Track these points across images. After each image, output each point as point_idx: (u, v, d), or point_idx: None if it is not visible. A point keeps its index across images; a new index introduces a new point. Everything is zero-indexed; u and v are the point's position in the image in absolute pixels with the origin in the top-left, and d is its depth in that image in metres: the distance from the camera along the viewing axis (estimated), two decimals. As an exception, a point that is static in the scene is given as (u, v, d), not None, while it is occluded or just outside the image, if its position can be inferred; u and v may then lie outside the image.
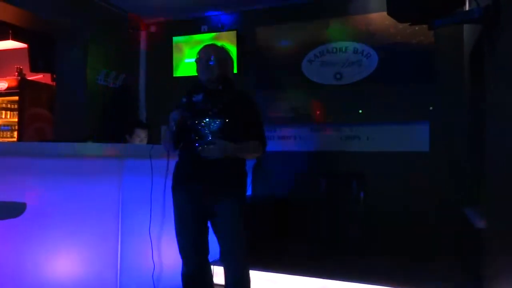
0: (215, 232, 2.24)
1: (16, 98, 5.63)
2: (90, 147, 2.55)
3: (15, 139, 5.62)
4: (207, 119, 2.17)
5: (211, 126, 2.16)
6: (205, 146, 2.10)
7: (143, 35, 5.44)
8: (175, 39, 5.11)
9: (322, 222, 4.28)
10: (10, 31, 5.24)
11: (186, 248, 2.22)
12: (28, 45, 5.36)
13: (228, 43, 4.84)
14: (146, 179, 2.58)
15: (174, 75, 5.12)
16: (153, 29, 5.41)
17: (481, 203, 2.82)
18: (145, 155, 2.55)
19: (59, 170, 2.50)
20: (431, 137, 4.11)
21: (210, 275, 2.32)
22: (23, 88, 5.58)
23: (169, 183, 2.29)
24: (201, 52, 2.26)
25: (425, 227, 3.98)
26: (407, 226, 4.05)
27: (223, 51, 2.29)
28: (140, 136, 3.76)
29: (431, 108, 4.11)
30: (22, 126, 5.48)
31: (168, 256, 2.77)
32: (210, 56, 2.20)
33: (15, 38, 5.35)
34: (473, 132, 3.36)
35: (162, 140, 2.36)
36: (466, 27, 3.73)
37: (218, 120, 2.16)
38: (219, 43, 2.45)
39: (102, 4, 4.78)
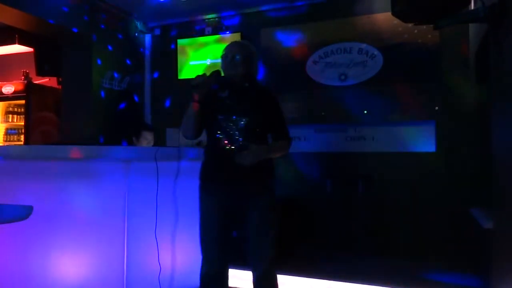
0: (244, 230, 2.22)
1: (23, 102, 5.67)
2: (96, 149, 2.56)
3: (21, 143, 5.66)
4: (234, 116, 2.16)
5: (238, 124, 2.15)
6: (237, 150, 2.10)
7: (148, 38, 5.48)
8: (180, 41, 5.13)
9: (327, 223, 4.27)
10: (17, 36, 5.30)
11: (209, 248, 2.21)
12: (34, 49, 5.40)
13: (233, 45, 4.86)
14: (152, 181, 2.59)
15: (179, 78, 5.14)
16: (157, 31, 5.44)
17: (489, 203, 2.80)
18: (151, 158, 2.55)
19: (65, 173, 2.51)
20: (437, 137, 4.08)
21: (227, 276, 2.31)
22: (29, 92, 5.63)
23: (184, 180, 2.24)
24: (226, 49, 2.26)
25: (431, 228, 3.96)
26: (414, 227, 4.03)
27: (248, 49, 2.28)
28: (147, 139, 3.78)
29: (436, 108, 4.09)
30: (28, 130, 5.52)
31: (175, 258, 2.78)
32: (236, 53, 2.20)
33: (21, 43, 5.40)
34: (480, 131, 3.34)
35: (183, 120, 2.20)
36: (471, 26, 3.71)
37: (245, 118, 2.15)
38: (245, 41, 2.45)
39: (107, 8, 4.81)
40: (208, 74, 2.15)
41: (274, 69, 4.73)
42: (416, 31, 4.09)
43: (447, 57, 4.08)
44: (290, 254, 3.92)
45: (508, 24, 2.02)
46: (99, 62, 4.73)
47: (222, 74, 2.22)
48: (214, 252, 2.21)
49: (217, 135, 2.18)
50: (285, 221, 4.32)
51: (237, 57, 2.19)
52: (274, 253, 2.21)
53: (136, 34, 5.31)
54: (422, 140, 4.14)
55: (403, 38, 4.21)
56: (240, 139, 2.14)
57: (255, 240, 2.20)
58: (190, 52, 5.09)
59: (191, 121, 2.17)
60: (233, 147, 2.14)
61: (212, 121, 2.19)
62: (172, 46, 5.21)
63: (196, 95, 2.11)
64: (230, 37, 4.89)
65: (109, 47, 4.87)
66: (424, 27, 3.91)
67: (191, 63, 5.08)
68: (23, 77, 5.78)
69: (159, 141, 4.02)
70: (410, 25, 3.74)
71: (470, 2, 2.90)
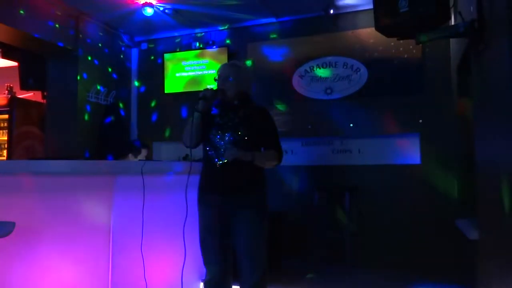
0: (234, 244, 2.26)
1: (6, 116, 5.58)
2: (81, 164, 2.53)
3: (4, 158, 5.55)
4: (221, 132, 2.28)
5: (226, 139, 2.26)
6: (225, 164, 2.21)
7: (134, 52, 5.48)
8: (167, 56, 5.14)
9: (315, 235, 4.26)
10: (1, 49, 5.24)
11: (209, 257, 2.28)
12: (18, 63, 5.34)
13: (219, 59, 4.89)
14: (138, 196, 2.56)
15: (166, 92, 5.14)
16: (144, 46, 5.45)
17: (473, 214, 2.83)
18: (137, 172, 2.53)
19: (49, 188, 2.46)
20: (421, 149, 4.14)
21: (230, 284, 2.36)
22: (13, 106, 5.54)
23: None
24: (220, 70, 2.39)
25: (418, 239, 3.98)
26: (400, 238, 4.05)
27: (240, 69, 2.40)
28: (143, 156, 3.84)
29: (420, 120, 4.15)
30: (12, 145, 5.42)
31: (161, 274, 2.73)
32: (227, 74, 2.33)
33: (5, 56, 5.34)
34: (463, 143, 3.40)
35: (185, 129, 2.33)
36: (452, 40, 3.80)
37: (233, 134, 2.26)
38: (236, 61, 2.62)
39: (93, 21, 4.81)
40: (214, 88, 2.30)
41: (261, 83, 4.76)
42: (399, 45, 4.17)
43: (429, 70, 4.16)
44: (278, 267, 3.89)
45: (487, 38, 2.08)
46: (85, 76, 4.70)
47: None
48: (214, 261, 2.27)
49: (208, 150, 2.32)
50: (272, 234, 4.31)
51: (229, 78, 2.31)
52: (265, 266, 2.24)
53: (123, 49, 5.31)
54: (407, 153, 4.20)
55: (386, 52, 4.29)
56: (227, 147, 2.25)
57: (245, 253, 2.23)
58: (177, 66, 5.09)
59: (194, 130, 2.26)
60: (221, 161, 2.25)
61: (206, 137, 2.33)
62: (159, 61, 5.23)
63: (201, 106, 2.25)
64: (217, 51, 4.93)
65: (95, 61, 4.85)
66: (407, 41, 3.98)
67: (177, 74, 5.09)
68: (6, 91, 5.71)
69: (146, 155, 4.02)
70: (393, 39, 3.81)
71: (450, 18, 2.99)
